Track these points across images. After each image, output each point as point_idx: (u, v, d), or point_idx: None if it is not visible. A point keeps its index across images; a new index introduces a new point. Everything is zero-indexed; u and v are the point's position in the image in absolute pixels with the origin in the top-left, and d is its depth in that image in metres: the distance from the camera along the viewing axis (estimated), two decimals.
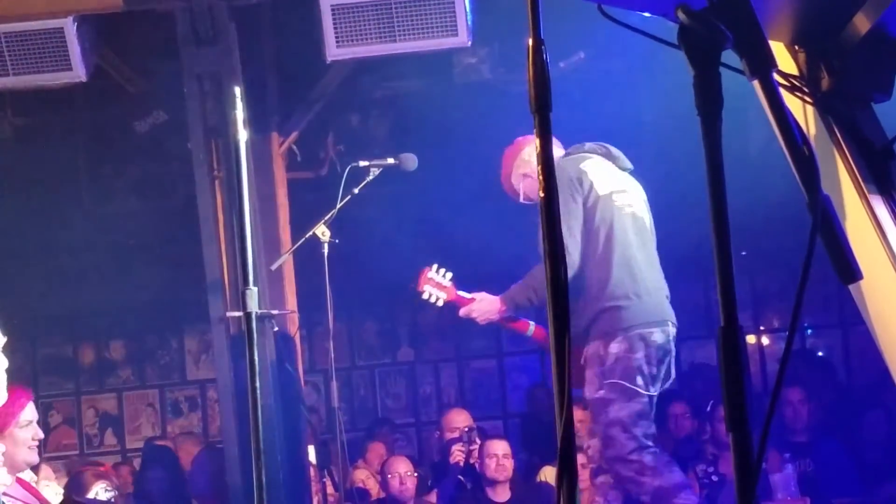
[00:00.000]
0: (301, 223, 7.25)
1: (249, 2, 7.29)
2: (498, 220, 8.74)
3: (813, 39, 3.01)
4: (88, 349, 11.58)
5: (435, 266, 6.25)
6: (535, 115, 2.13)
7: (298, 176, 8.38)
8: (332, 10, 6.81)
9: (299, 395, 7.49)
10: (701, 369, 10.35)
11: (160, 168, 9.11)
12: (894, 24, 2.92)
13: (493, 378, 11.43)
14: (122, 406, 11.49)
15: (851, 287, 2.96)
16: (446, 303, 6.22)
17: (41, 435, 5.23)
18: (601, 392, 5.66)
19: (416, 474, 7.85)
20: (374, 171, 6.77)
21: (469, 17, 6.79)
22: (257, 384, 4.12)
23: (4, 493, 4.72)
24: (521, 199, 6.12)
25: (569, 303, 2.12)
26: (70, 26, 6.93)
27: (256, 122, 7.24)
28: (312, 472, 7.68)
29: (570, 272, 5.65)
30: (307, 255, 6.94)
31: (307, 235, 6.75)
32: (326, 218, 6.69)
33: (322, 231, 6.66)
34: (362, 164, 6.79)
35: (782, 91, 2.09)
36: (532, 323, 6.30)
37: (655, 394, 5.75)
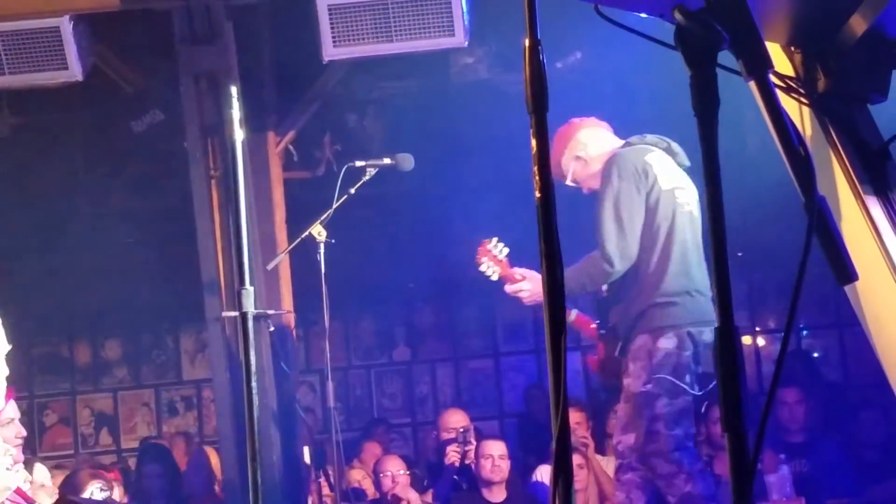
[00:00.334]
0: (297, 223, 7.25)
1: (246, 1, 7.29)
2: (495, 217, 8.75)
3: (809, 40, 3.02)
4: (84, 348, 11.58)
5: (494, 239, 6.16)
6: (531, 116, 2.13)
7: (295, 175, 8.39)
8: (329, 9, 6.81)
9: (293, 395, 7.48)
10: None
11: (156, 167, 9.10)
12: (891, 26, 2.93)
13: (489, 378, 11.43)
14: (117, 406, 11.49)
15: (847, 288, 2.96)
16: (500, 277, 6.13)
17: (24, 433, 5.21)
18: (648, 386, 5.60)
19: (408, 473, 7.85)
20: (371, 171, 6.76)
21: (466, 17, 6.79)
22: (253, 384, 4.12)
23: None
24: (569, 181, 6.06)
25: (564, 303, 2.12)
26: (66, 25, 6.92)
27: (253, 121, 7.23)
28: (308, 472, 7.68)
29: (627, 264, 5.65)
30: (303, 254, 6.94)
31: (303, 235, 6.74)
32: (323, 218, 6.68)
33: (318, 231, 6.65)
34: (358, 164, 6.78)
35: (779, 92, 2.09)
36: (575, 310, 6.27)
37: (700, 394, 5.74)
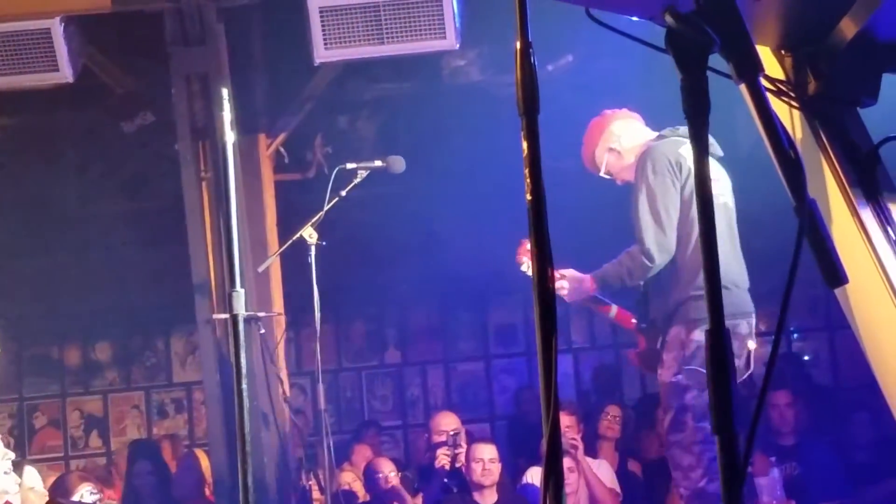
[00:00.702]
0: (288, 225, 7.25)
1: (238, 3, 7.28)
2: (487, 220, 8.75)
3: (800, 44, 3.02)
4: (74, 350, 11.55)
5: None
6: (522, 118, 2.13)
7: (286, 178, 8.38)
8: (321, 11, 6.81)
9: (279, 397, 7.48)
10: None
11: (147, 169, 9.10)
12: (881, 29, 2.93)
13: (480, 380, 11.43)
14: (107, 408, 11.46)
15: (837, 291, 2.97)
16: None
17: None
18: (679, 377, 5.60)
19: (399, 474, 7.85)
20: (362, 174, 6.76)
21: (457, 20, 6.80)
22: (244, 386, 4.12)
23: None
24: (602, 173, 6.06)
25: (556, 306, 2.12)
26: (57, 27, 6.91)
27: (244, 123, 7.23)
28: (298, 474, 7.67)
29: (667, 258, 5.63)
30: (294, 257, 6.93)
31: (294, 237, 6.74)
32: (314, 220, 6.68)
33: (309, 233, 6.65)
34: (350, 166, 6.77)
35: (769, 95, 2.10)
36: (615, 306, 6.26)
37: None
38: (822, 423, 8.58)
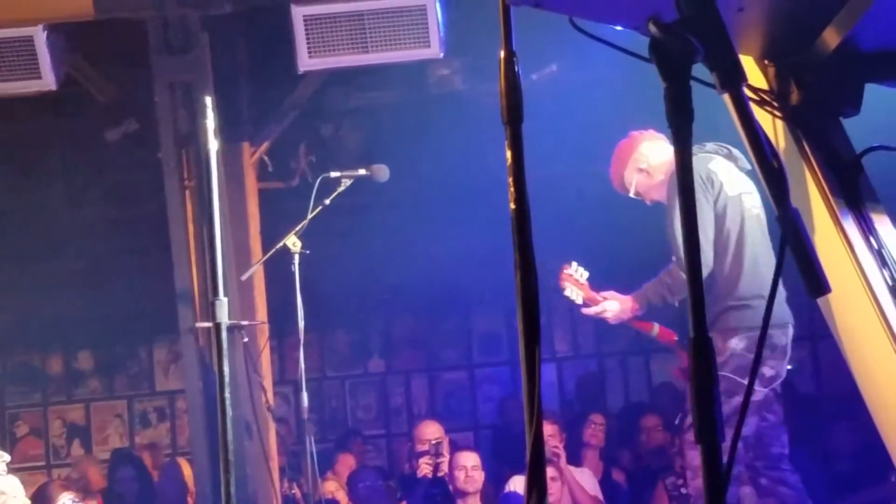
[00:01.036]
0: (272, 233, 7.24)
1: (222, 11, 7.27)
2: (471, 229, 8.76)
3: (783, 54, 3.03)
4: (56, 359, 11.50)
5: (574, 263, 6.24)
6: (506, 127, 2.13)
7: (269, 186, 8.37)
8: (305, 20, 6.81)
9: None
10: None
11: (130, 177, 9.07)
12: (864, 39, 2.94)
13: (464, 389, 11.42)
14: (89, 417, 11.42)
15: (820, 300, 2.97)
16: (584, 301, 6.20)
17: None
18: None
19: (384, 483, 7.84)
20: (346, 182, 6.76)
21: (441, 29, 6.80)
22: (227, 395, 4.11)
23: None
24: (632, 193, 6.13)
25: (540, 316, 2.12)
26: (40, 34, 6.89)
27: (228, 131, 7.21)
28: (281, 483, 7.66)
29: (705, 272, 5.67)
30: (278, 265, 6.92)
31: (278, 246, 6.73)
32: (297, 228, 6.67)
33: (293, 242, 6.64)
34: (334, 174, 6.77)
35: (752, 105, 2.10)
36: (656, 324, 6.32)
37: (763, 391, 5.78)
38: (805, 432, 8.59)
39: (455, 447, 8.21)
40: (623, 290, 6.12)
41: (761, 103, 3.03)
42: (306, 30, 6.81)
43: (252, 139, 7.83)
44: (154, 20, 7.18)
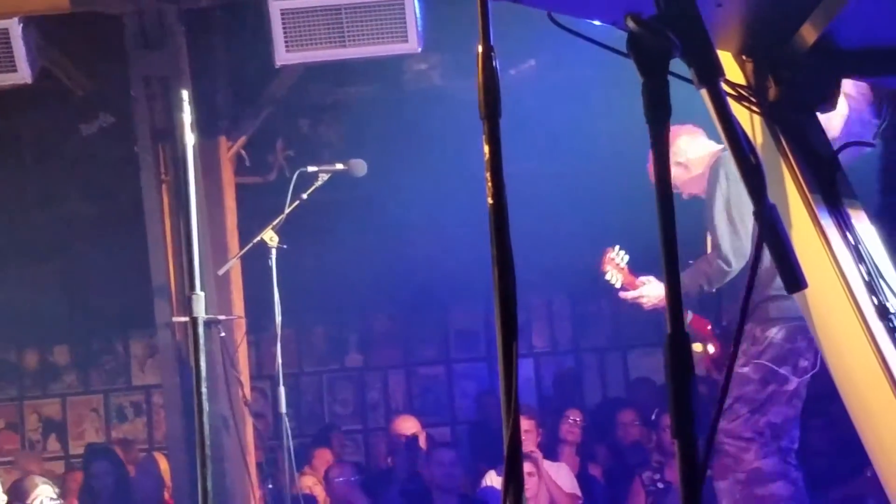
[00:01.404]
0: (249, 228, 7.22)
1: (198, 5, 7.25)
2: (448, 224, 8.75)
3: (760, 49, 3.03)
4: (32, 353, 11.45)
5: (616, 247, 6.25)
6: (484, 122, 2.13)
7: (247, 180, 8.34)
8: (282, 14, 6.79)
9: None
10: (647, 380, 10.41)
11: (107, 171, 9.03)
12: (841, 35, 2.95)
13: (441, 385, 11.42)
14: (65, 411, 11.38)
15: (796, 295, 2.98)
16: (623, 285, 6.22)
17: None
18: (745, 369, 5.73)
19: (360, 479, 7.85)
20: (323, 177, 6.74)
21: (419, 24, 6.79)
22: (203, 389, 4.10)
23: None
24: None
25: (517, 311, 2.11)
26: (15, 27, 6.86)
27: (204, 125, 7.19)
28: (258, 478, 7.64)
29: (743, 262, 5.72)
30: (255, 260, 6.90)
31: (255, 240, 6.71)
32: (274, 223, 6.65)
33: (270, 236, 6.63)
34: (311, 169, 6.76)
35: (730, 100, 2.10)
36: (690, 312, 6.33)
37: (791, 388, 5.81)
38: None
39: (432, 442, 8.21)
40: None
41: (739, 98, 3.03)
42: (283, 24, 6.79)
43: (229, 134, 7.81)
44: (130, 14, 7.15)
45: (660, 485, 7.87)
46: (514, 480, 2.06)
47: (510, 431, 2.06)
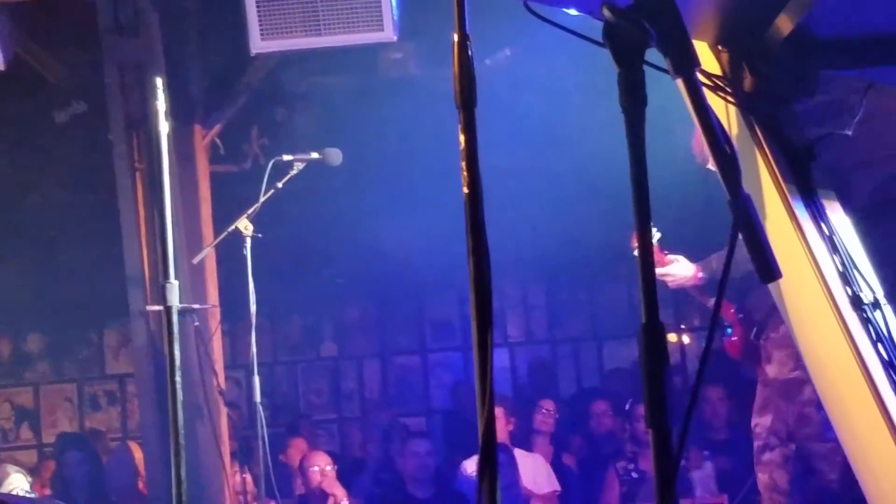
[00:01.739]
0: (224, 217, 7.19)
1: None
2: (424, 214, 8.74)
3: (736, 40, 3.04)
4: (5, 342, 11.40)
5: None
6: (459, 111, 2.12)
7: (221, 169, 8.31)
8: (257, 2, 6.75)
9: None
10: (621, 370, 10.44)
11: (80, 159, 8.98)
12: (817, 26, 2.95)
13: (416, 375, 11.43)
14: (38, 400, 11.33)
15: (771, 285, 2.99)
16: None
17: None
18: (796, 373, 5.76)
19: (334, 468, 7.84)
20: (298, 166, 6.73)
21: (395, 12, 6.77)
22: (177, 378, 4.08)
23: None
24: (710, 165, 6.12)
25: (492, 301, 2.11)
26: None
27: (179, 113, 7.15)
28: (232, 467, 7.63)
29: None
30: (229, 249, 6.88)
31: (230, 229, 6.69)
32: (249, 212, 6.64)
33: (245, 225, 6.61)
34: (286, 158, 6.74)
35: (705, 90, 2.10)
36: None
37: None
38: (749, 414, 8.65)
39: (407, 432, 8.21)
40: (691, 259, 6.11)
41: (715, 89, 3.03)
42: (258, 11, 6.75)
43: (204, 122, 7.77)
44: (104, 0, 7.11)
45: (634, 474, 7.89)
46: (489, 466, 2.06)
47: (485, 421, 2.05)
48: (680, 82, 2.04)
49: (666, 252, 6.20)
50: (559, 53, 7.16)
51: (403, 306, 11.27)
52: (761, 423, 6.05)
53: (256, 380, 6.61)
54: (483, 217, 2.12)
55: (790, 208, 2.99)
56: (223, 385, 7.54)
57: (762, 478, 6.06)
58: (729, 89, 3.05)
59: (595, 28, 2.12)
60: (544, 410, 8.40)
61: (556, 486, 7.90)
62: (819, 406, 5.74)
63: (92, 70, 7.46)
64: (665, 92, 2.21)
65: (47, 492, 8.57)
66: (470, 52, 2.14)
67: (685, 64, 2.04)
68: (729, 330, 6.26)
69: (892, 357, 2.97)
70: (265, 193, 6.63)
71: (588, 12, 2.65)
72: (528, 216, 8.67)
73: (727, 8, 2.92)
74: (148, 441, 7.32)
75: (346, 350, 11.49)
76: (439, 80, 7.97)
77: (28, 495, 7.06)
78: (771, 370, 5.91)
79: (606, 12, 2.00)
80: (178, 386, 4.08)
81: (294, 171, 6.72)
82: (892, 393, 2.92)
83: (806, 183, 3.02)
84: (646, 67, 2.02)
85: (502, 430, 7.62)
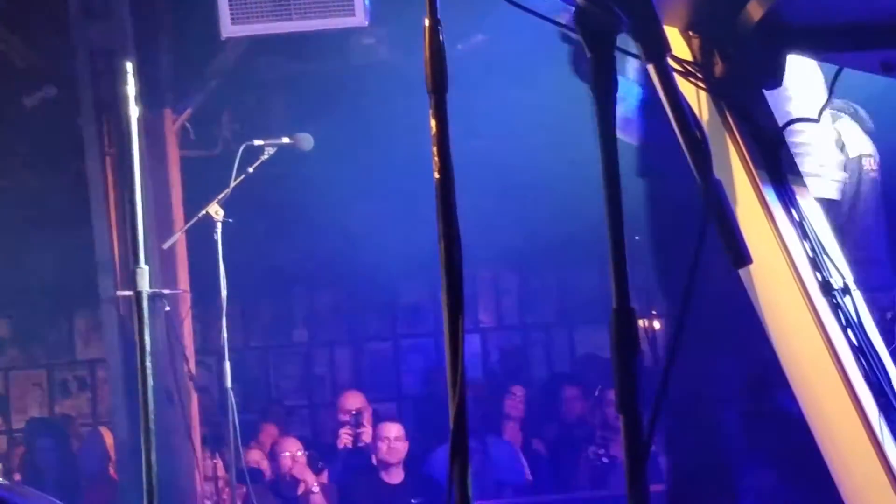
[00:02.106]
0: (194, 202, 7.17)
1: None
2: (395, 199, 8.73)
3: (707, 25, 3.04)
4: None
5: None
6: (431, 96, 2.12)
7: (192, 154, 8.28)
8: None
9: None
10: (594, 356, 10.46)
11: (50, 144, 8.93)
12: (787, 12, 2.96)
13: (387, 360, 11.43)
14: (8, 386, 11.28)
15: (741, 271, 3.00)
16: None
17: None
18: None
19: (305, 454, 7.84)
20: (269, 151, 6.72)
21: None
22: (147, 364, 4.07)
23: None
24: None
25: (463, 286, 2.11)
26: None
27: (149, 98, 7.11)
28: (203, 453, 7.62)
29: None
30: (200, 234, 6.86)
31: (200, 214, 6.68)
32: (220, 197, 6.63)
33: (215, 210, 6.60)
34: (257, 143, 6.73)
35: (677, 76, 2.11)
36: None
37: None
38: None
39: (378, 418, 8.21)
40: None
41: (685, 74, 3.04)
42: None
43: (174, 106, 7.74)
44: None
45: (604, 459, 7.93)
46: (460, 452, 2.06)
47: (456, 406, 2.06)
48: (651, 68, 2.04)
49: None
50: (532, 40, 7.16)
51: (375, 292, 11.26)
52: None
53: (227, 365, 6.60)
54: (454, 202, 2.12)
55: (760, 193, 2.99)
56: (194, 370, 7.53)
57: None
58: (700, 75, 3.05)
59: (567, 13, 2.12)
60: (514, 396, 8.43)
61: (523, 467, 7.93)
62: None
63: (62, 54, 7.42)
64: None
65: (17, 477, 8.54)
66: (441, 37, 2.13)
67: (656, 50, 2.04)
68: None
69: (862, 342, 2.98)
70: (236, 178, 6.62)
71: None
72: (499, 201, 8.68)
73: None
74: (118, 426, 7.30)
75: (317, 336, 11.48)
76: (410, 66, 7.95)
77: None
78: None
79: None
80: (149, 371, 4.07)
81: (265, 156, 6.71)
82: (862, 378, 2.94)
83: (776, 168, 3.03)
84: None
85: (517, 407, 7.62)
